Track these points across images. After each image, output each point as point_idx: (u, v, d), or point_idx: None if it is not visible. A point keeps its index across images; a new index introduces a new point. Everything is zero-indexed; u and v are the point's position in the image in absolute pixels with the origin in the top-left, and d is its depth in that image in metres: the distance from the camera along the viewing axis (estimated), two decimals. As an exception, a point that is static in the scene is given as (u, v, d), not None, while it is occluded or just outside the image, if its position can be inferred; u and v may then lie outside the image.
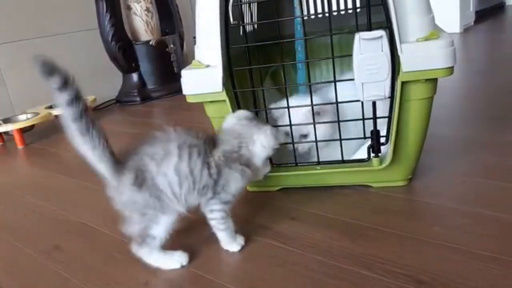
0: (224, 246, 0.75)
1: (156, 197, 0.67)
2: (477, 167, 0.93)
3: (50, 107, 1.86)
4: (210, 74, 0.81)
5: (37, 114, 1.73)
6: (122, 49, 2.05)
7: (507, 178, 0.86)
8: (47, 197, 1.12)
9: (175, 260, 0.72)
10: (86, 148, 0.65)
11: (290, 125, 0.87)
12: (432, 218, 0.77)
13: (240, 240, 0.75)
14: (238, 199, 0.79)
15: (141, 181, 0.66)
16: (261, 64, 0.93)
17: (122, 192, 0.67)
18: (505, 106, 1.29)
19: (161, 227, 0.69)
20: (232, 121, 0.76)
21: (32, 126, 1.71)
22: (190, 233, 0.82)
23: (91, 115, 0.64)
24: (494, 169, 0.90)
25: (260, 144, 0.73)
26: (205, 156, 0.69)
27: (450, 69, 0.75)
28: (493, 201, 0.78)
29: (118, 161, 0.67)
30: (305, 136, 0.92)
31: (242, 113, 0.78)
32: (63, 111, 0.62)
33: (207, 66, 0.82)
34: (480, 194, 0.82)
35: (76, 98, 0.62)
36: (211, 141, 0.72)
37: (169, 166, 0.66)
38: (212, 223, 0.73)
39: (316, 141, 0.88)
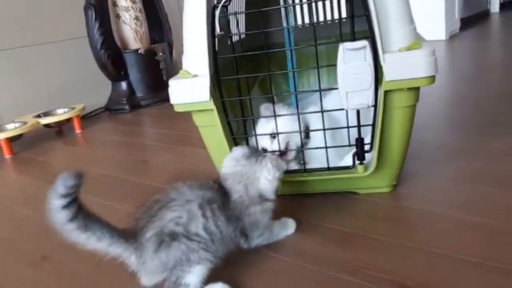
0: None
1: (188, 252, 0.63)
2: (462, 173, 0.95)
3: (38, 116, 1.85)
4: (197, 83, 0.82)
5: (25, 123, 1.72)
6: (111, 57, 2.05)
7: (491, 184, 0.88)
8: (35, 207, 1.11)
9: None
10: (92, 242, 0.61)
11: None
12: (417, 224, 0.78)
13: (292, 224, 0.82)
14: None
15: (167, 243, 0.63)
16: (249, 72, 0.94)
17: (146, 262, 0.63)
18: (490, 113, 1.32)
19: (195, 276, 0.65)
20: (231, 164, 0.76)
21: (20, 135, 1.70)
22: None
23: (85, 209, 0.61)
24: (478, 175, 0.92)
25: (265, 178, 0.73)
26: (225, 209, 0.68)
27: (432, 78, 0.77)
28: (477, 207, 0.80)
29: (128, 235, 0.64)
30: (273, 136, 0.94)
31: (238, 152, 0.77)
32: (57, 215, 0.59)
33: (195, 75, 0.83)
34: (465, 199, 0.84)
35: (73, 200, 0.59)
36: (222, 190, 0.71)
37: (198, 227, 0.64)
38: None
39: (301, 148, 0.90)
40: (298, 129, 0.89)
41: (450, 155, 1.05)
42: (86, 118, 2.07)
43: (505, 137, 1.10)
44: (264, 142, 0.94)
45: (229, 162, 0.76)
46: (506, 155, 1.00)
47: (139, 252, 0.63)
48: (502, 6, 4.07)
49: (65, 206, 0.58)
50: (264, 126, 0.95)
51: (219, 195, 0.69)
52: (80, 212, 0.60)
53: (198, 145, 0.95)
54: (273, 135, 0.93)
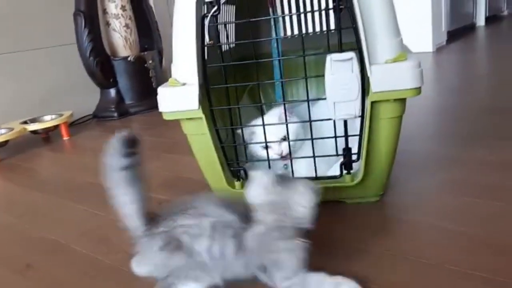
0: None
1: (187, 266, 0.62)
2: (447, 183, 0.96)
3: (25, 122, 1.84)
4: (186, 92, 0.82)
5: (11, 129, 1.71)
6: (100, 64, 2.05)
7: (476, 193, 0.89)
8: (20, 214, 1.10)
9: None
10: (119, 199, 0.62)
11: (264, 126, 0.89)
12: (403, 234, 0.79)
13: None
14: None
15: (172, 247, 0.62)
16: (239, 81, 0.95)
17: (147, 253, 0.64)
18: (475, 124, 1.35)
19: None
20: (261, 193, 0.65)
21: (6, 142, 1.68)
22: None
23: (139, 171, 0.63)
24: (463, 185, 0.94)
25: (301, 206, 0.65)
26: (240, 240, 0.62)
27: (418, 90, 0.78)
28: (462, 216, 0.81)
29: (149, 219, 0.64)
30: (284, 138, 0.94)
31: (265, 179, 0.66)
32: (114, 158, 0.62)
33: (184, 84, 0.83)
34: (450, 209, 0.85)
35: (135, 155, 0.62)
36: (246, 216, 0.64)
37: (202, 246, 0.61)
38: None
39: (290, 158, 0.90)
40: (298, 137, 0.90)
41: (436, 165, 1.07)
42: (74, 125, 2.06)
43: (490, 148, 1.12)
44: (272, 144, 0.93)
45: (258, 191, 0.66)
46: (489, 166, 1.01)
47: (146, 240, 0.63)
48: (487, 19, 4.16)
49: (127, 155, 0.61)
50: (275, 127, 0.92)
51: (242, 222, 0.63)
52: (132, 169, 0.62)
53: (186, 153, 0.95)
54: (284, 138, 0.93)
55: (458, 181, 0.96)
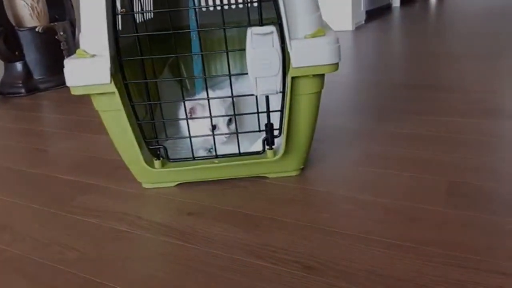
0: None
1: None
2: (362, 156, 1.00)
3: None
4: (96, 64, 0.76)
5: None
6: (3, 35, 1.85)
7: (389, 165, 0.93)
8: None
9: None
10: None
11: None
12: (321, 205, 0.81)
13: None
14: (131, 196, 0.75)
15: None
16: (156, 55, 0.90)
17: None
18: (389, 99, 1.42)
19: None
20: None
21: None
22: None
23: None
24: (377, 158, 0.98)
25: None
26: None
27: (336, 65, 0.79)
28: (376, 187, 0.85)
29: None
30: (215, 126, 0.91)
31: None
32: None
33: (93, 55, 0.77)
34: (365, 181, 0.88)
35: None
36: None
37: None
38: None
39: (220, 133, 0.88)
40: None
41: (352, 139, 1.11)
42: (-26, 102, 1.85)
43: (400, 122, 1.18)
44: (221, 125, 0.91)
45: None
46: (400, 138, 1.07)
47: None
48: (402, 1, 4.38)
49: None
50: (220, 107, 0.90)
51: None
52: None
53: (102, 131, 0.89)
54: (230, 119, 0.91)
55: (373, 154, 1.01)
